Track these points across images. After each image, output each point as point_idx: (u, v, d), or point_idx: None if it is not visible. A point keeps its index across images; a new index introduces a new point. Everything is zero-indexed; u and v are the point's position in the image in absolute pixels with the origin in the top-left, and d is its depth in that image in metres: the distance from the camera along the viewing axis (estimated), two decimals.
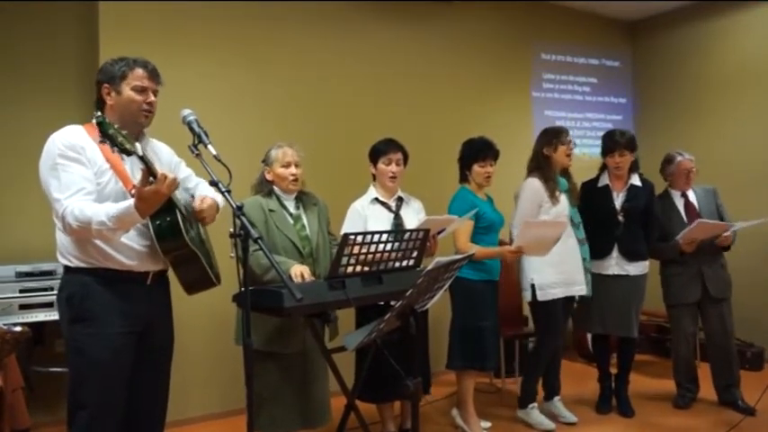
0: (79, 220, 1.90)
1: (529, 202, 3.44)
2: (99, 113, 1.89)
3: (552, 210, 3.43)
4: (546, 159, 3.49)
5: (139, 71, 2.09)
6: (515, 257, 3.30)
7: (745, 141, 4.97)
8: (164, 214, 2.02)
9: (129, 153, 1.86)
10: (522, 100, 5.33)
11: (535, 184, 3.46)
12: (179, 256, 2.10)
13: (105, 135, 1.83)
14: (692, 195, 3.88)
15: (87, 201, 1.95)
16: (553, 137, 3.51)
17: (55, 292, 2.32)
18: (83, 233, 1.95)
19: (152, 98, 2.12)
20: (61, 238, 2.07)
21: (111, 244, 2.02)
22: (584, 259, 3.52)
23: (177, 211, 2.05)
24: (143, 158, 1.89)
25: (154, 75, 2.13)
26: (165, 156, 2.30)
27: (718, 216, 3.79)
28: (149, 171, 1.88)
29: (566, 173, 3.59)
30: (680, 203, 3.86)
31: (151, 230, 2.03)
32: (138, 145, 1.89)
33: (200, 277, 2.19)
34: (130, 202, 1.88)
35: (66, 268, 2.10)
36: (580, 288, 3.50)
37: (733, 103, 5.13)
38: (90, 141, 2.02)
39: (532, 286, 3.44)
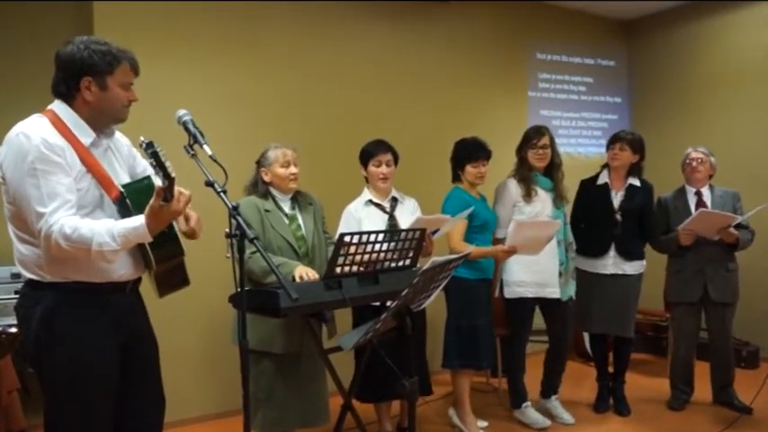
0: (72, 240, 1.69)
1: (502, 202, 3.54)
2: (146, 139, 1.68)
3: (527, 208, 3.47)
4: (522, 159, 3.54)
5: (126, 66, 1.88)
6: (507, 257, 3.31)
7: (739, 140, 4.98)
8: None
9: (171, 179, 1.65)
10: (517, 100, 5.33)
11: (507, 184, 3.54)
12: (171, 264, 1.98)
13: (158, 163, 1.63)
14: (706, 194, 3.74)
15: (75, 216, 1.74)
16: (524, 141, 3.56)
17: None
18: (70, 254, 1.72)
19: (135, 95, 1.93)
20: (28, 250, 1.81)
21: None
22: (560, 263, 3.50)
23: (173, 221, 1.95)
24: (172, 181, 1.67)
25: (136, 67, 1.92)
26: (124, 149, 2.07)
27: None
28: (170, 189, 1.67)
29: (552, 172, 3.56)
30: (692, 201, 3.74)
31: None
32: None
33: (180, 280, 2.08)
34: (140, 219, 1.71)
35: (34, 283, 1.82)
36: (552, 291, 3.47)
37: (727, 102, 5.14)
38: (63, 139, 1.78)
39: (501, 281, 3.50)
